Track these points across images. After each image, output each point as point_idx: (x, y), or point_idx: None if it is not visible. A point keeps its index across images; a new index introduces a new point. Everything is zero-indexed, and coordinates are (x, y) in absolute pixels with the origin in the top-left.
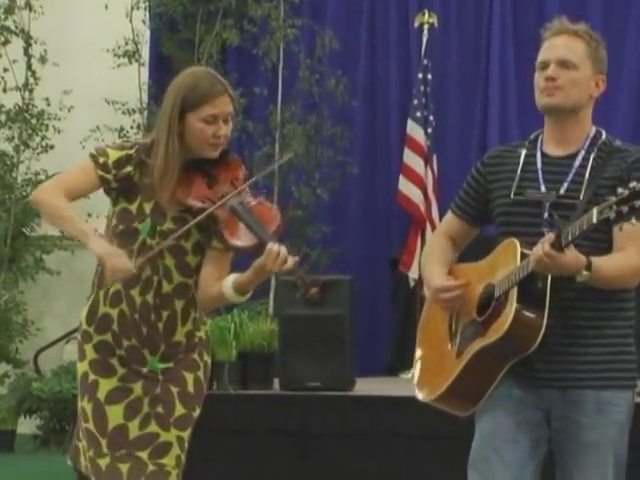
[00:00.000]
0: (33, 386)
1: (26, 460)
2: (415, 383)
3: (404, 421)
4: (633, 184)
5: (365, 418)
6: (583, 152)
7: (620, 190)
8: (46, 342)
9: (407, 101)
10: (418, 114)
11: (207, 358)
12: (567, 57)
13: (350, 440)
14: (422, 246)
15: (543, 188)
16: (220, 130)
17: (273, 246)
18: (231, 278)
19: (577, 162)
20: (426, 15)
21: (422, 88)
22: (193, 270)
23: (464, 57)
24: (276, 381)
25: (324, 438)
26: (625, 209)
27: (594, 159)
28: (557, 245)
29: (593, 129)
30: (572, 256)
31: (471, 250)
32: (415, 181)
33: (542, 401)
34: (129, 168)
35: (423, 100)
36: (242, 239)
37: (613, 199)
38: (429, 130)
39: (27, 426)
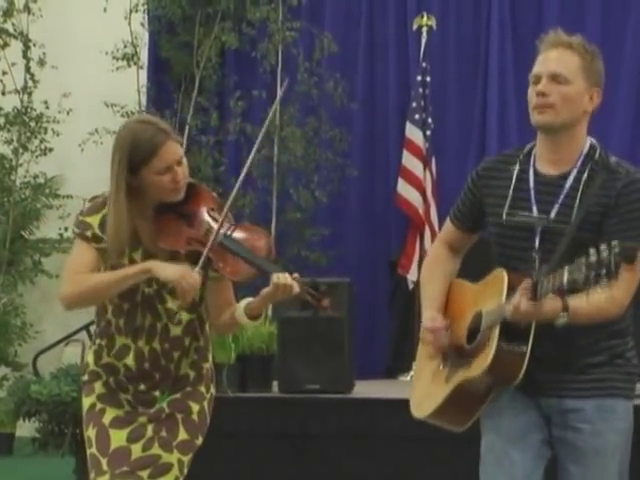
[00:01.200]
0: (32, 389)
1: (25, 463)
2: (410, 398)
3: (403, 423)
4: (602, 247)
5: (364, 420)
6: (575, 172)
7: (592, 251)
8: (45, 345)
9: (406, 104)
10: (417, 117)
11: (213, 390)
12: (559, 71)
13: (349, 442)
14: (421, 249)
15: (535, 210)
16: (177, 175)
17: (278, 277)
18: (242, 305)
19: (568, 183)
20: (424, 18)
21: (421, 91)
22: (197, 304)
23: (463, 59)
24: (275, 384)
25: (323, 440)
26: (592, 274)
27: (585, 181)
28: (533, 297)
29: (587, 144)
30: (549, 304)
31: (471, 252)
32: (414, 184)
33: (543, 408)
34: None
35: (422, 103)
36: (240, 273)
37: (583, 261)
38: (428, 133)
39: (26, 429)
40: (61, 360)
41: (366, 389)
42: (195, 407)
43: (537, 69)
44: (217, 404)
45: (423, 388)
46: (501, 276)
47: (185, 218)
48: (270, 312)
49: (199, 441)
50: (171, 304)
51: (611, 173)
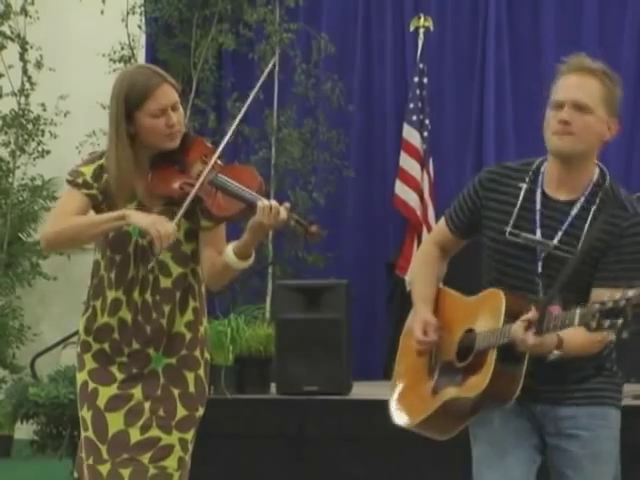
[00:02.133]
0: (30, 391)
1: (23, 465)
2: (392, 403)
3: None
4: (618, 296)
5: (362, 422)
6: (582, 200)
7: (606, 299)
8: (43, 347)
9: (403, 105)
10: (414, 118)
11: (207, 355)
12: (582, 100)
13: (347, 444)
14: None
15: (539, 233)
16: (171, 119)
17: (264, 202)
18: (230, 246)
19: (574, 211)
20: (422, 19)
21: (418, 92)
22: (190, 258)
23: (460, 61)
24: (273, 385)
25: (321, 442)
26: (607, 323)
27: (594, 212)
28: (539, 330)
29: (597, 171)
30: (549, 339)
31: (461, 258)
32: (411, 185)
33: (535, 415)
34: (105, 176)
35: (419, 104)
36: (230, 208)
37: (597, 307)
38: (425, 134)
39: (24, 431)
40: (59, 362)
41: (364, 390)
42: (190, 377)
43: (559, 95)
44: (215, 406)
45: (408, 397)
46: (499, 298)
47: (179, 165)
48: (268, 314)
49: (199, 413)
50: (163, 256)
51: (619, 209)
